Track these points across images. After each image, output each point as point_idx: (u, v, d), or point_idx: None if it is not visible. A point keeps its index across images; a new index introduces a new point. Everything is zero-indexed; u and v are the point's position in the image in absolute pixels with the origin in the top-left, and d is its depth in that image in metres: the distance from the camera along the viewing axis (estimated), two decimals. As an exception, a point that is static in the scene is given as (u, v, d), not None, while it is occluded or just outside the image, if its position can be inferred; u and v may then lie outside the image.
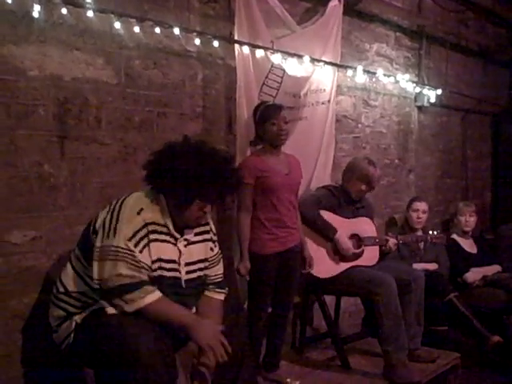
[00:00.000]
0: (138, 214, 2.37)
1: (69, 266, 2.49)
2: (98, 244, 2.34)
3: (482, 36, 6.45)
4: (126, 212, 2.36)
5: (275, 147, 3.38)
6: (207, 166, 2.41)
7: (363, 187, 3.92)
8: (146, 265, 2.35)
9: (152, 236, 2.38)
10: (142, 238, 2.35)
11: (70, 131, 2.86)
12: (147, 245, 2.36)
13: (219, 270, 2.72)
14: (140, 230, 2.35)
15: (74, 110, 2.88)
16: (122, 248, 2.30)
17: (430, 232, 4.36)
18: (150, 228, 2.38)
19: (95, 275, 2.33)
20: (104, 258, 2.30)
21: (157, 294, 2.35)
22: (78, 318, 2.43)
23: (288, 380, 3.43)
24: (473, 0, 6.06)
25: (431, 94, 5.38)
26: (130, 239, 2.31)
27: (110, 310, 2.32)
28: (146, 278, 2.35)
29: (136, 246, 2.32)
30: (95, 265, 2.32)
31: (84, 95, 2.92)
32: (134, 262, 2.31)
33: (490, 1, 6.32)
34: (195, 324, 2.38)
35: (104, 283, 2.31)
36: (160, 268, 2.41)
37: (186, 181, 2.38)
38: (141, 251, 2.34)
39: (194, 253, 2.56)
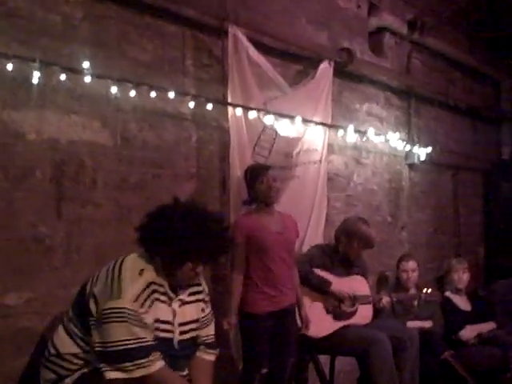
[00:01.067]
0: (140, 274, 2.39)
1: (61, 328, 2.49)
2: (102, 307, 2.32)
3: (469, 95, 6.63)
4: (127, 273, 2.37)
5: (267, 205, 3.43)
6: (197, 228, 2.44)
7: (362, 248, 3.95)
8: (150, 325, 2.36)
9: (154, 295, 2.40)
10: (146, 299, 2.36)
11: (66, 193, 2.91)
12: (151, 305, 2.38)
13: (210, 330, 2.71)
14: (144, 290, 2.37)
15: (71, 172, 2.94)
16: (128, 309, 2.29)
17: (424, 290, 4.36)
18: (152, 288, 2.40)
19: (102, 338, 2.31)
20: (111, 321, 2.29)
21: (161, 362, 2.36)
22: (69, 381, 2.41)
23: None
24: (460, 60, 6.26)
25: (421, 152, 5.48)
26: (135, 300, 2.32)
27: (110, 375, 2.29)
28: (152, 340, 2.35)
29: (142, 306, 2.34)
30: (102, 328, 2.30)
31: (80, 157, 2.98)
32: (141, 324, 2.32)
33: (476, 61, 6.52)
34: None
35: (113, 346, 2.29)
36: (157, 329, 2.41)
37: (176, 243, 2.41)
38: (146, 312, 2.35)
39: (187, 313, 2.56)
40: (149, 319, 2.36)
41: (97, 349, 2.32)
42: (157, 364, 2.34)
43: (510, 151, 7.18)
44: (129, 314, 2.30)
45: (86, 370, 2.40)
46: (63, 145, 2.91)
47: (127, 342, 2.29)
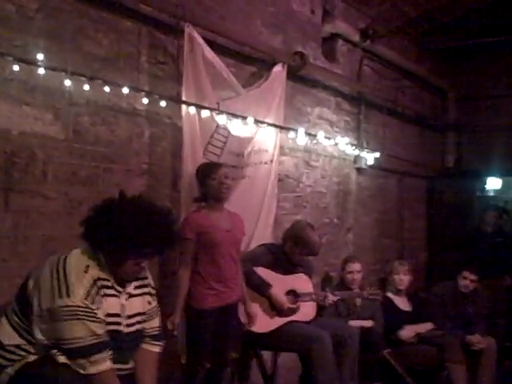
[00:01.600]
0: (85, 272, 2.39)
1: (4, 319, 2.48)
2: (49, 305, 2.32)
3: (417, 103, 6.86)
4: (72, 271, 2.37)
5: (218, 202, 3.50)
6: (141, 222, 2.43)
7: (306, 254, 4.04)
8: (103, 320, 2.39)
9: (102, 291, 2.42)
10: (95, 296, 2.37)
11: (15, 184, 2.91)
12: (101, 301, 2.39)
13: (156, 322, 2.74)
14: (91, 287, 2.37)
15: (21, 163, 2.93)
16: (81, 307, 2.31)
17: (368, 289, 4.50)
18: (99, 284, 2.41)
19: (56, 336, 2.32)
20: (66, 319, 2.30)
21: (108, 363, 2.38)
22: (10, 370, 2.41)
23: None
24: (409, 69, 6.46)
25: (369, 157, 5.64)
26: (86, 298, 2.33)
27: (63, 359, 2.33)
28: (106, 336, 2.38)
29: (92, 303, 2.35)
30: (55, 326, 2.31)
31: (31, 149, 2.98)
32: (95, 319, 2.34)
33: (425, 71, 6.74)
34: None
35: (68, 343, 2.31)
36: (107, 323, 2.43)
37: (118, 239, 2.41)
38: (98, 308, 2.37)
39: (133, 306, 2.59)
40: (100, 314, 2.38)
41: (45, 343, 2.34)
42: (108, 362, 2.37)
43: (454, 160, 7.44)
44: (82, 311, 2.31)
45: (29, 360, 2.40)
46: (14, 136, 2.90)
47: (84, 340, 2.31)
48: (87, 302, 2.34)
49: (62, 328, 2.32)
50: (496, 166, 7.00)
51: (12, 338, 2.43)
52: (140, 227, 2.42)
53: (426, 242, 7.15)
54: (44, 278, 2.38)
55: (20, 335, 2.43)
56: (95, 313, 2.35)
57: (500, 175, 7.26)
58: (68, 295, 2.31)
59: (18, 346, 2.43)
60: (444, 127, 7.38)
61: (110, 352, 2.40)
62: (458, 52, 7.05)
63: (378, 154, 5.69)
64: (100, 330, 2.36)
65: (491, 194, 7.54)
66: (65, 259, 2.42)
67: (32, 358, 2.40)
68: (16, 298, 2.49)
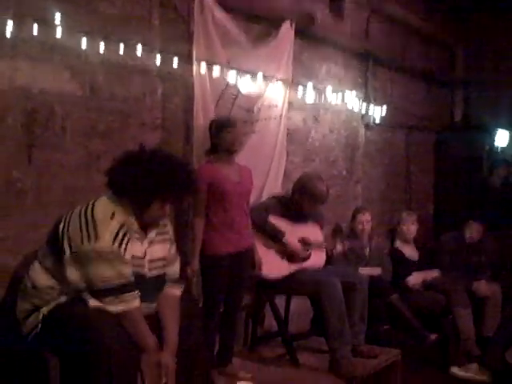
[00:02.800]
0: (112, 218, 2.54)
1: (36, 263, 2.65)
2: (79, 249, 2.47)
3: (425, 59, 6.87)
4: (99, 217, 2.52)
5: (229, 155, 3.64)
6: (163, 169, 2.61)
7: (313, 204, 4.14)
8: (130, 262, 2.55)
9: (127, 236, 2.56)
10: (121, 240, 2.52)
11: (37, 140, 3.06)
12: (126, 244, 2.54)
13: (176, 268, 2.91)
14: (118, 232, 2.52)
15: (41, 119, 3.08)
16: (108, 250, 2.47)
17: (375, 238, 4.67)
18: (125, 228, 2.56)
19: (86, 278, 2.48)
20: (95, 260, 2.45)
21: (138, 301, 2.55)
22: (44, 310, 2.58)
23: (241, 373, 3.63)
24: (416, 26, 6.48)
25: (377, 112, 5.72)
26: (113, 242, 2.49)
27: (93, 303, 2.49)
28: (133, 278, 2.55)
29: (119, 246, 2.50)
30: (86, 268, 2.47)
31: (51, 106, 3.12)
32: (123, 261, 2.50)
33: (432, 27, 6.75)
34: (153, 351, 2.58)
35: (100, 283, 2.47)
36: (132, 265, 2.59)
37: (144, 183, 2.57)
38: (125, 249, 2.52)
39: (155, 251, 2.75)
40: (127, 256, 2.54)
41: (76, 284, 2.51)
42: (136, 301, 2.54)
43: (462, 114, 7.50)
44: (110, 253, 2.47)
45: (61, 300, 2.58)
46: (34, 93, 3.04)
47: (112, 280, 2.47)
48: (114, 246, 2.49)
49: (91, 270, 2.48)
50: (504, 120, 7.05)
51: (45, 280, 2.60)
52: (163, 171, 2.59)
53: (433, 194, 7.25)
54: (73, 224, 2.53)
55: (52, 277, 2.59)
56: (122, 255, 2.51)
57: (509, 129, 7.30)
58: (96, 239, 2.47)
59: (50, 287, 2.59)
60: (452, 83, 7.41)
61: (137, 292, 2.56)
62: (466, 8, 7.04)
63: (385, 109, 5.76)
64: (127, 270, 2.52)
65: (500, 147, 7.59)
66: (93, 206, 2.57)
67: (64, 299, 2.57)
68: (47, 242, 2.65)
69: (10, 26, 2.84)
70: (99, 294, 2.50)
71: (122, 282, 2.50)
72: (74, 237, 2.51)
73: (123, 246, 2.53)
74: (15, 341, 2.80)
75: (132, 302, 2.53)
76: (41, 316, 2.60)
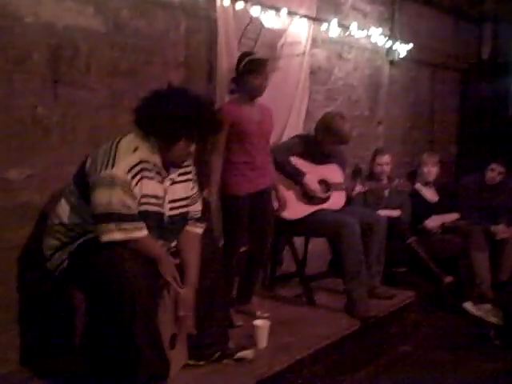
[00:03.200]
0: (134, 152, 2.60)
1: (63, 200, 2.71)
2: (97, 174, 2.53)
3: (454, -8, 6.65)
4: (122, 149, 2.58)
5: (251, 98, 3.61)
6: (191, 108, 2.64)
7: (336, 143, 4.13)
8: (137, 198, 2.59)
9: (144, 173, 2.61)
10: (136, 173, 2.57)
11: (62, 76, 3.03)
12: (140, 180, 2.59)
13: (198, 206, 2.98)
14: (136, 165, 2.57)
15: (66, 56, 3.04)
16: (120, 178, 2.51)
17: (396, 180, 4.66)
18: (144, 165, 2.61)
19: (93, 202, 2.53)
20: (103, 185, 2.50)
21: (144, 232, 2.61)
22: (71, 247, 2.67)
23: (258, 312, 3.73)
24: (446, -43, 6.25)
25: (402, 49, 5.59)
26: (127, 172, 2.53)
27: (105, 237, 2.54)
28: (137, 212, 2.59)
29: (132, 178, 2.55)
30: (94, 192, 2.53)
31: (75, 42, 3.08)
32: (130, 193, 2.54)
33: (463, -41, 6.50)
34: (164, 260, 2.69)
35: (102, 207, 2.52)
36: (146, 203, 2.64)
37: (172, 121, 2.61)
38: (136, 184, 2.57)
39: (177, 191, 2.81)
40: (137, 191, 2.58)
41: (94, 212, 2.56)
42: (141, 232, 2.59)
43: (490, 51, 7.27)
44: (120, 181, 2.51)
45: (87, 238, 2.65)
46: (59, 29, 2.99)
47: (114, 206, 2.51)
48: (128, 176, 2.53)
49: (99, 193, 2.52)
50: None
51: (71, 217, 2.67)
52: (190, 110, 2.63)
53: (457, 135, 7.14)
54: (98, 156, 2.60)
55: (78, 214, 2.66)
56: (132, 187, 2.55)
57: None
58: (112, 166, 2.52)
59: (77, 225, 2.67)
60: (480, 17, 7.16)
61: (141, 223, 2.60)
62: None
63: (411, 46, 5.63)
64: (131, 202, 2.55)
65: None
66: (119, 140, 2.64)
67: (90, 235, 2.64)
68: (73, 180, 2.72)
69: (33, -41, 2.78)
70: (99, 219, 2.54)
71: (123, 211, 2.53)
72: (97, 165, 2.56)
73: (136, 179, 2.57)
74: (42, 276, 2.89)
75: (132, 232, 2.57)
76: (67, 252, 2.68)
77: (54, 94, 3.01)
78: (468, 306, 4.59)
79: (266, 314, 3.70)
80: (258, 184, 3.63)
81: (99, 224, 2.55)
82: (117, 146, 2.60)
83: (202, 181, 3.64)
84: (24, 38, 2.87)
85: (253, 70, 3.52)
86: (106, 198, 2.51)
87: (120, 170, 2.52)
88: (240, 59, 3.60)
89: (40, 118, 2.97)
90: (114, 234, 2.54)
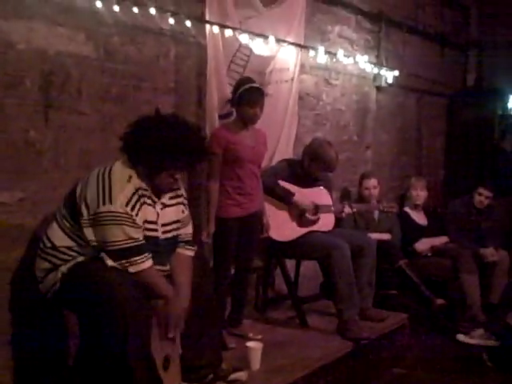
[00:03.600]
0: (129, 181, 2.63)
1: (55, 223, 2.73)
2: (95, 211, 2.56)
3: (438, 20, 6.79)
4: (116, 180, 2.61)
5: (246, 125, 3.65)
6: (176, 137, 2.66)
7: (323, 170, 4.19)
8: (140, 226, 2.63)
9: (142, 200, 2.66)
10: (135, 203, 2.61)
11: (53, 101, 3.08)
12: (140, 208, 2.63)
13: (189, 229, 3.00)
14: (133, 194, 2.61)
15: (58, 81, 3.09)
16: (121, 213, 2.55)
17: (384, 203, 4.71)
18: (140, 193, 2.65)
19: (99, 239, 2.58)
20: (107, 223, 2.54)
21: (150, 261, 2.65)
22: (63, 269, 2.67)
23: (250, 334, 3.72)
24: (430, -14, 6.40)
25: (389, 75, 5.69)
26: (126, 205, 2.57)
27: (111, 263, 2.59)
28: (143, 241, 2.63)
29: (132, 210, 2.59)
30: (98, 230, 2.57)
31: (66, 68, 3.13)
32: (133, 225, 2.58)
33: (446, -13, 6.66)
34: (173, 297, 2.72)
35: (110, 246, 2.57)
36: (145, 229, 2.68)
37: (155, 151, 2.63)
38: (136, 214, 2.61)
39: (168, 215, 2.83)
40: (139, 221, 2.63)
41: (94, 244, 2.61)
42: (147, 262, 2.64)
43: (475, 78, 7.42)
44: (122, 216, 2.55)
45: (79, 260, 2.67)
46: (51, 55, 3.05)
47: (122, 243, 2.56)
48: (127, 209, 2.57)
49: (104, 231, 2.57)
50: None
51: (63, 240, 2.69)
52: (175, 140, 2.65)
53: (444, 159, 7.23)
54: (91, 186, 2.61)
55: (70, 237, 2.68)
56: (133, 219, 2.59)
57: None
58: (110, 202, 2.55)
59: (69, 248, 2.69)
60: (465, 45, 7.32)
61: (149, 254, 2.65)
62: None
63: (397, 72, 5.72)
64: (137, 234, 2.60)
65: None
66: (110, 169, 2.65)
67: (82, 258, 2.67)
68: (64, 204, 2.73)
69: (26, -13, 2.84)
70: (111, 255, 2.60)
71: (131, 244, 2.58)
72: (92, 200, 2.58)
73: (135, 210, 2.61)
74: (34, 298, 2.89)
75: (141, 264, 2.62)
76: (60, 274, 2.69)
77: (46, 119, 3.05)
78: (461, 338, 4.64)
79: (258, 336, 3.70)
80: (247, 208, 3.67)
81: (113, 261, 2.60)
82: (109, 177, 2.61)
83: (195, 204, 3.71)
84: (16, 64, 2.92)
85: (249, 100, 3.55)
86: (112, 235, 2.56)
87: (118, 204, 2.56)
88: (236, 87, 3.65)
89: (32, 141, 3.01)
90: (129, 269, 2.60)
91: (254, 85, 3.63)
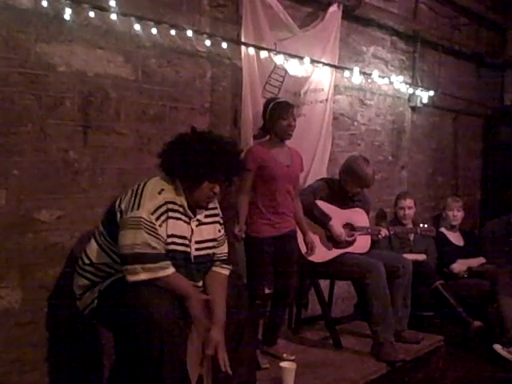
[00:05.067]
0: (159, 193, 2.68)
1: (93, 241, 2.79)
2: (124, 215, 2.62)
3: (474, 40, 6.74)
4: (148, 191, 2.67)
5: (281, 141, 3.68)
6: (214, 150, 2.72)
7: (359, 187, 4.17)
8: (163, 238, 2.65)
9: (170, 213, 2.69)
10: (161, 214, 2.65)
11: (92, 122, 3.16)
12: (165, 221, 2.66)
13: (225, 249, 3.02)
14: (161, 206, 2.65)
15: (96, 102, 3.17)
16: (145, 219, 2.58)
17: (421, 225, 4.66)
18: (169, 206, 2.69)
19: (119, 243, 2.61)
20: (128, 227, 2.58)
21: (171, 270, 2.65)
22: (101, 286, 2.72)
23: (284, 355, 3.70)
24: (466, 6, 6.34)
25: (424, 95, 5.67)
26: (152, 213, 2.61)
27: (131, 278, 2.59)
28: (163, 251, 2.64)
29: (157, 220, 2.62)
30: (120, 233, 2.61)
31: (105, 89, 3.21)
32: (154, 234, 2.60)
33: (482, 7, 6.60)
34: (194, 296, 2.70)
35: (127, 249, 2.58)
36: (173, 243, 2.70)
37: (195, 163, 2.69)
38: (160, 225, 2.63)
39: (204, 232, 2.86)
40: (162, 232, 2.65)
41: (120, 253, 2.63)
42: (167, 270, 2.62)
43: (512, 98, 7.35)
44: (144, 223, 2.58)
45: (115, 277, 2.71)
46: (90, 77, 3.13)
47: (139, 247, 2.57)
48: (152, 217, 2.60)
49: (125, 234, 2.59)
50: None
51: (100, 257, 2.74)
52: (213, 153, 2.71)
53: (480, 180, 7.15)
54: (127, 197, 2.68)
55: (107, 254, 2.73)
56: (156, 228, 2.61)
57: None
58: (138, 208, 2.60)
59: (106, 264, 2.74)
60: (502, 65, 7.23)
61: (169, 264, 2.64)
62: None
63: (432, 92, 5.70)
64: (155, 243, 2.60)
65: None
66: (145, 183, 2.72)
67: (119, 275, 2.69)
68: (102, 221, 2.79)
69: (67, 11, 2.94)
70: (125, 259, 2.60)
71: (147, 251, 2.58)
72: (124, 208, 2.65)
73: (160, 220, 2.64)
74: (71, 315, 2.93)
75: (157, 271, 2.60)
76: (97, 291, 2.73)
77: (85, 139, 3.13)
78: (498, 348, 4.51)
79: (292, 357, 3.67)
80: (280, 228, 3.67)
81: (125, 265, 2.61)
82: (143, 189, 2.69)
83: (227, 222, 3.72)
84: (57, 86, 3.01)
85: (279, 113, 3.61)
86: (130, 239, 2.58)
87: (145, 211, 2.60)
88: (265, 106, 3.71)
89: (71, 161, 3.09)
90: (140, 275, 2.59)
91: (282, 99, 3.72)
